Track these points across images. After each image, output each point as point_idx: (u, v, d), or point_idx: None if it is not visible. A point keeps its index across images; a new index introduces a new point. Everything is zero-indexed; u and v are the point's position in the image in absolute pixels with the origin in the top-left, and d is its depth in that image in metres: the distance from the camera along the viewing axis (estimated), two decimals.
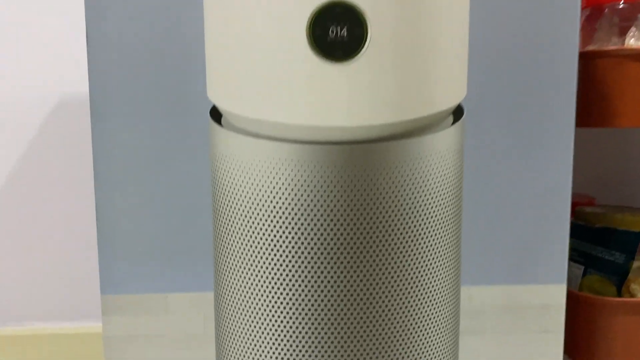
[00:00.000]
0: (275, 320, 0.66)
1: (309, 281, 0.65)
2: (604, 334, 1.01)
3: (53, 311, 1.28)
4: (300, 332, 0.66)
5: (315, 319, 0.66)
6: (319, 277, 0.65)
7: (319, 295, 0.65)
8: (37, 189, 1.25)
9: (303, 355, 0.66)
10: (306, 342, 0.66)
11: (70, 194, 1.24)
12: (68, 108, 1.22)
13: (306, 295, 0.65)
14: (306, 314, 0.66)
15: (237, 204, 0.66)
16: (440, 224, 0.67)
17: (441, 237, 0.67)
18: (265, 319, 0.67)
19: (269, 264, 0.66)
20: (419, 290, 0.67)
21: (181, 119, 0.82)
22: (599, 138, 1.25)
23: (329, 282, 0.65)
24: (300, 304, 0.66)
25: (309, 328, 0.66)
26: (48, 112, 1.22)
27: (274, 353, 0.67)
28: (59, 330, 1.26)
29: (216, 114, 0.71)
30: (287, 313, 0.66)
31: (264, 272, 0.66)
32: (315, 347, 0.66)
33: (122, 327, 0.83)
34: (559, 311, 0.86)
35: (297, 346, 0.66)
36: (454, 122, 0.69)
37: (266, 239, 0.65)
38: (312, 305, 0.66)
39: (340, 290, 0.65)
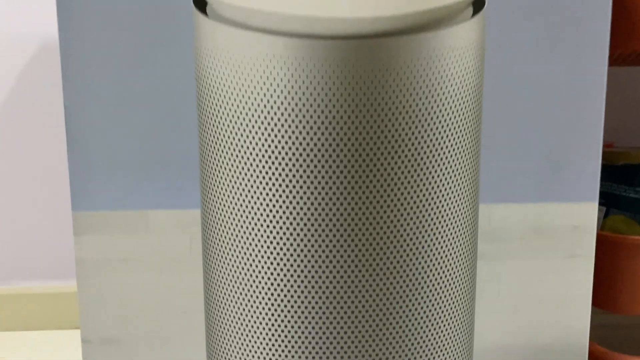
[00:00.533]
0: (272, 240, 0.64)
1: (309, 198, 0.63)
2: (629, 276, 1.00)
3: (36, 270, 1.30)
4: (299, 252, 0.64)
5: (319, 236, 0.64)
6: (319, 192, 0.63)
7: (319, 214, 0.63)
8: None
9: (305, 276, 0.65)
10: (309, 260, 0.64)
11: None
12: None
13: (305, 214, 0.63)
14: (305, 235, 0.64)
15: (225, 107, 0.64)
16: (457, 131, 0.65)
17: (458, 146, 0.65)
18: (259, 237, 0.65)
19: (263, 175, 0.63)
20: (430, 207, 0.65)
21: (160, 7, 0.77)
22: (617, 82, 1.22)
23: (330, 198, 0.63)
24: (299, 222, 0.63)
25: (309, 249, 0.64)
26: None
27: (271, 275, 0.65)
28: (42, 290, 1.29)
29: (200, 2, 0.67)
30: (285, 232, 0.64)
31: (257, 185, 0.64)
32: (320, 265, 0.64)
33: (96, 248, 0.81)
34: (589, 233, 0.82)
35: (296, 266, 0.65)
36: (474, 14, 0.66)
37: (260, 147, 0.63)
38: (312, 224, 0.63)
39: (343, 207, 0.63)
